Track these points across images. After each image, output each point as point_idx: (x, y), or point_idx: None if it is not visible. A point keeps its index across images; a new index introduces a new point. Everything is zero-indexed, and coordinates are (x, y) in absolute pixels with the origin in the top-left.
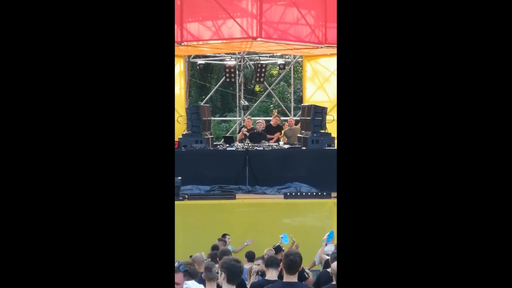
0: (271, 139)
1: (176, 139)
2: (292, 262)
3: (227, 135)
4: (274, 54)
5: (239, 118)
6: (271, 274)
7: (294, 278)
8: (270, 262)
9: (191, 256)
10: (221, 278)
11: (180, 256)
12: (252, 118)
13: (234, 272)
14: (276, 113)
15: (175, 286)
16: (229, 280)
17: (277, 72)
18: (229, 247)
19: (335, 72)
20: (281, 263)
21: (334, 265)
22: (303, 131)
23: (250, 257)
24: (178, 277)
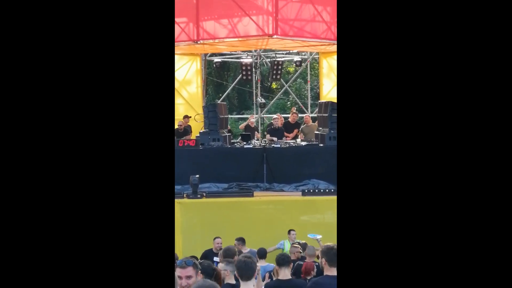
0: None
1: (194, 137)
2: (336, 255)
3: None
4: (291, 51)
5: (256, 116)
6: (284, 273)
7: (334, 271)
8: (282, 261)
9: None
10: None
11: (198, 253)
12: (269, 115)
13: (242, 269)
14: (294, 110)
15: (185, 279)
16: (241, 278)
17: (293, 69)
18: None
19: None
20: (322, 257)
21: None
22: (320, 128)
23: (262, 254)
24: (188, 271)
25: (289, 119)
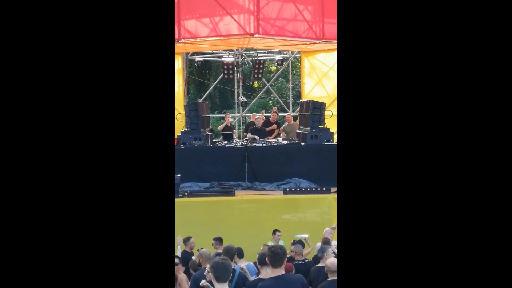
0: (270, 132)
1: (175, 136)
2: (274, 254)
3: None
4: (272, 50)
5: (238, 115)
6: (266, 273)
7: (281, 271)
8: (263, 261)
9: (198, 250)
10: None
11: (180, 253)
12: (251, 114)
13: (220, 271)
14: (275, 110)
15: None
16: (218, 279)
17: (275, 68)
18: (280, 242)
19: (333, 67)
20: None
21: (330, 261)
22: (301, 127)
23: (240, 254)
24: None
25: (270, 119)
